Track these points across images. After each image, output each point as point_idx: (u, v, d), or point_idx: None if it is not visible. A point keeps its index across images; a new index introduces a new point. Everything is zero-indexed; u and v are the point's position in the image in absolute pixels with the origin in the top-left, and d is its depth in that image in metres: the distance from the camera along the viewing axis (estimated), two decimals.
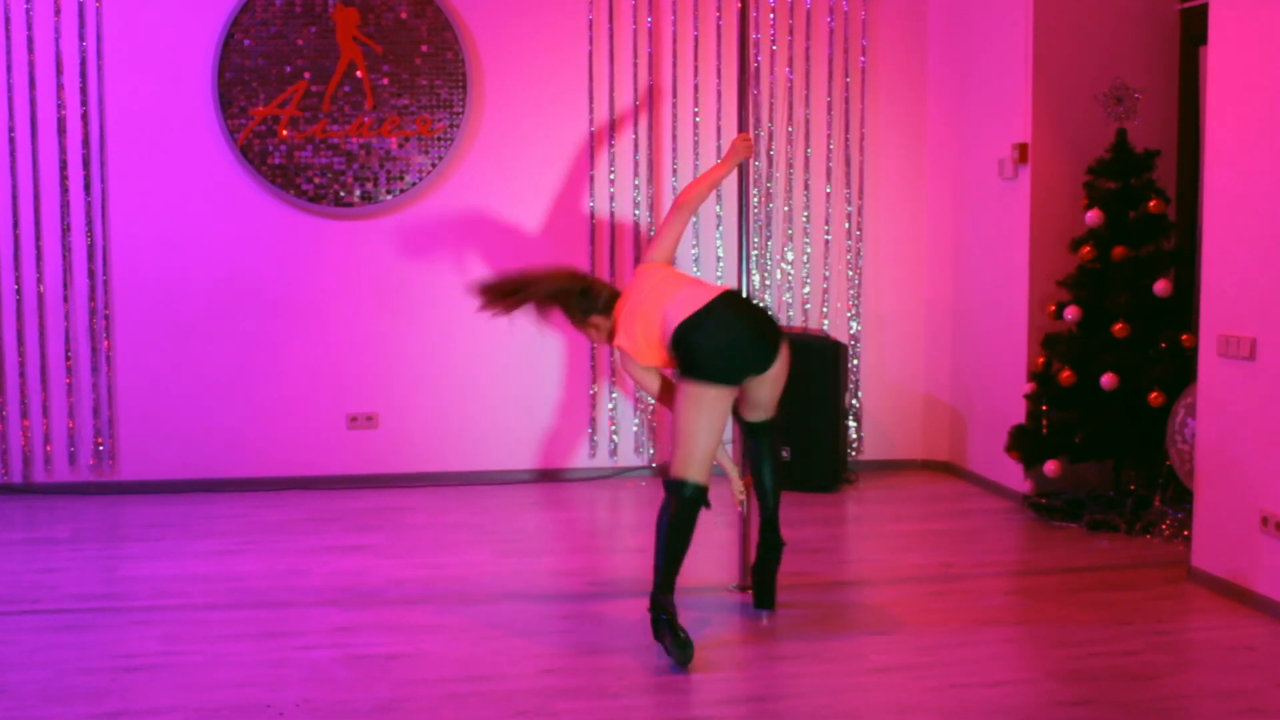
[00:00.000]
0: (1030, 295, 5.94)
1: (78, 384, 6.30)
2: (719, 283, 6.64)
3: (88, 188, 6.25)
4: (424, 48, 6.38)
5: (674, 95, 6.62)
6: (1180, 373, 5.39)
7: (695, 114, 6.62)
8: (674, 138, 6.63)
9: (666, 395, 4.32)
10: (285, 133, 6.31)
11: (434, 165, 6.43)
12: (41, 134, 6.19)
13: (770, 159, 6.70)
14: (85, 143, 6.23)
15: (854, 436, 6.84)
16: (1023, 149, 5.90)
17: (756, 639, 4.20)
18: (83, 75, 6.20)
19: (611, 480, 6.65)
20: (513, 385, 6.60)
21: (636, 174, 6.61)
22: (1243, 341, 4.48)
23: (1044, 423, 5.69)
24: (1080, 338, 5.61)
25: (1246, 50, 4.49)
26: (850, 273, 6.81)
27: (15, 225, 6.19)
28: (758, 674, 3.86)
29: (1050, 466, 5.61)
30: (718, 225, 6.67)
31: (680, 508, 4.00)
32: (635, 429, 6.69)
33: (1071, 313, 5.59)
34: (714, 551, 5.23)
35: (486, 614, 4.38)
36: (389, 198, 6.42)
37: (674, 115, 6.61)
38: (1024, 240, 5.95)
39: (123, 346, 6.32)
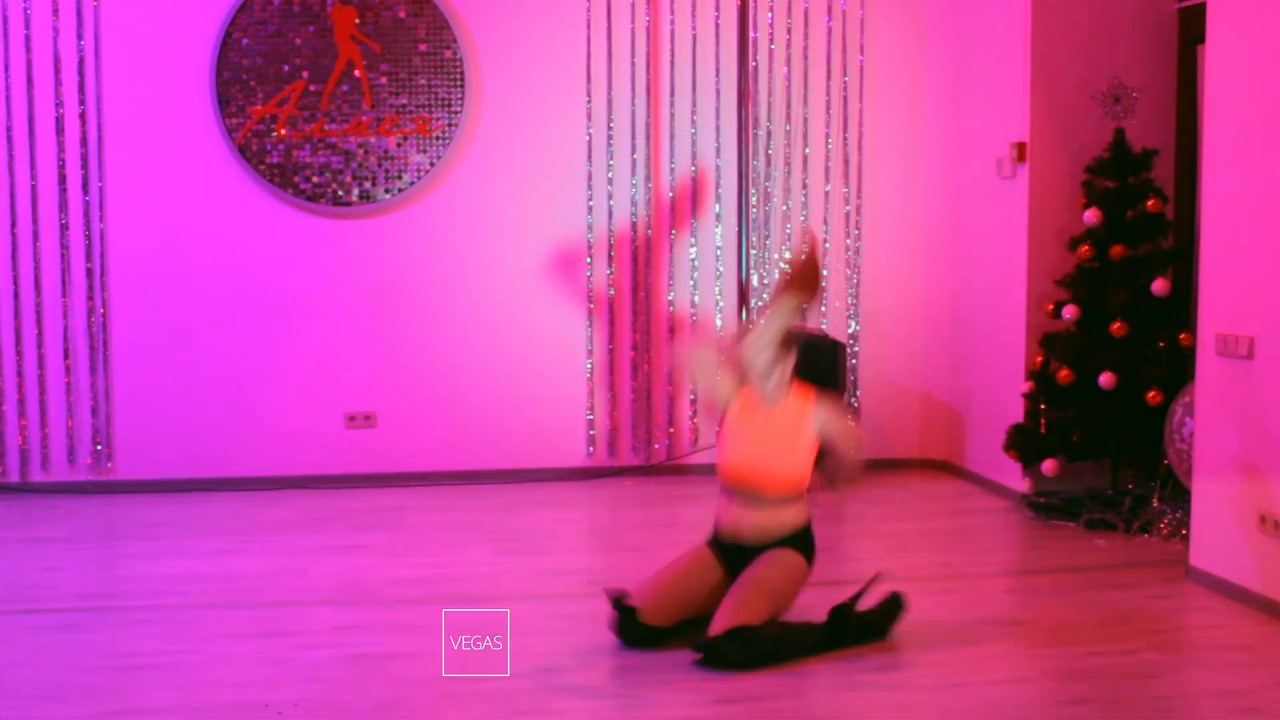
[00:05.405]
0: (1028, 294, 5.93)
1: (76, 383, 6.29)
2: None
3: (85, 187, 6.24)
4: (422, 47, 6.38)
5: (672, 94, 6.61)
6: (1178, 372, 5.39)
7: (693, 113, 6.62)
8: (672, 137, 6.62)
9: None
10: (283, 132, 6.30)
11: (432, 164, 6.43)
12: (39, 133, 6.19)
13: (769, 158, 6.70)
14: (83, 142, 6.22)
15: None
16: (1021, 148, 5.90)
17: None
18: (81, 74, 6.19)
19: (610, 479, 6.65)
20: (511, 384, 6.59)
21: (634, 173, 6.60)
22: (1241, 340, 4.48)
23: (1042, 422, 5.69)
24: (1078, 337, 5.61)
25: (1245, 49, 4.48)
26: (849, 272, 6.80)
27: (13, 224, 6.19)
28: (757, 674, 3.85)
29: (1048, 465, 5.61)
30: (717, 224, 6.66)
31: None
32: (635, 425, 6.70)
33: (1070, 312, 5.59)
34: None
35: (485, 613, 4.38)
36: (387, 197, 6.42)
37: (672, 114, 6.60)
38: (1022, 239, 5.95)
39: (120, 345, 6.32)
